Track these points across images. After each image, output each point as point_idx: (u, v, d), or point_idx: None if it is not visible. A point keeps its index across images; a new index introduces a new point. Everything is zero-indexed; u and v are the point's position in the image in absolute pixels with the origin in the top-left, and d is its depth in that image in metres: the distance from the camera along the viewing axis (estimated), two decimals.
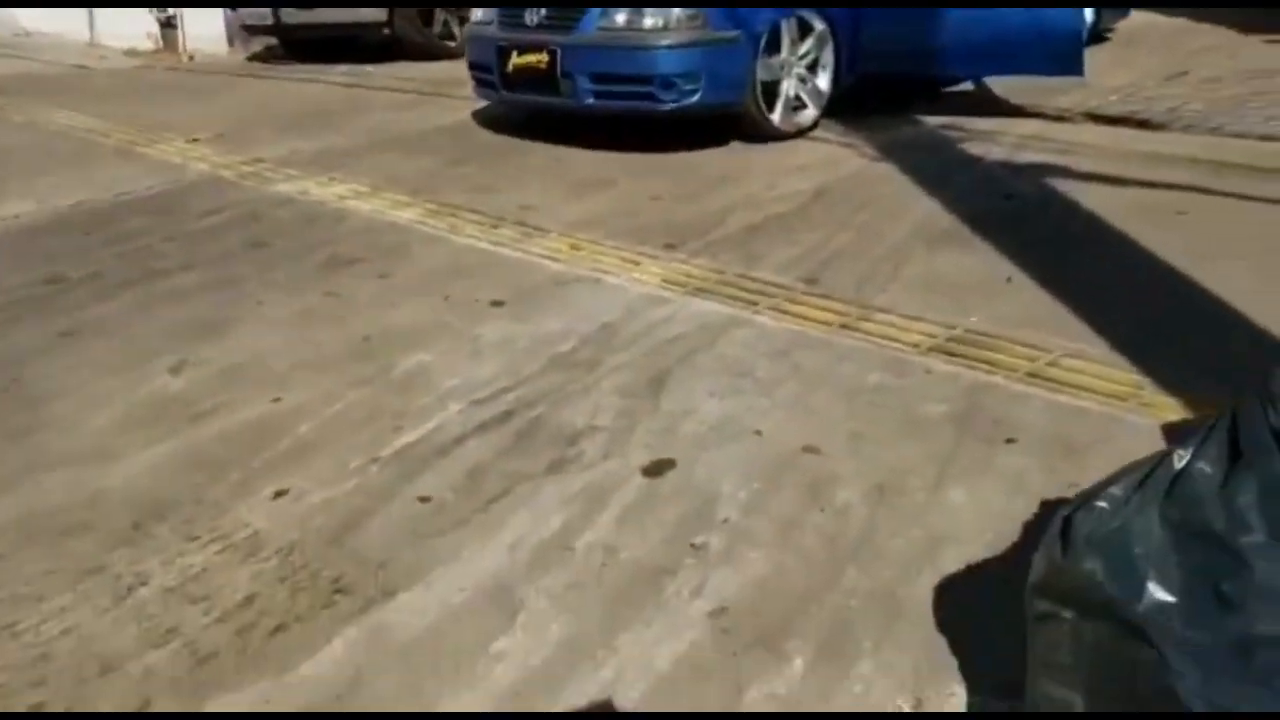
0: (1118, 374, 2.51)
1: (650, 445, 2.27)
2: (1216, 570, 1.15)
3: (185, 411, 2.51)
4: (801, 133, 4.96)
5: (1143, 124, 5.05)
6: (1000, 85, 5.88)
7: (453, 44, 7.80)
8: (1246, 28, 7.82)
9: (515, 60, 4.85)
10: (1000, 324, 2.82)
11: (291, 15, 7.74)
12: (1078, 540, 1.26)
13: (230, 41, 9.60)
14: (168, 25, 10.44)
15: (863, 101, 5.29)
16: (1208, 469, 1.22)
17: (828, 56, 4.95)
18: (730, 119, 4.83)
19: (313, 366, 2.72)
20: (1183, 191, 3.93)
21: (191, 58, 9.61)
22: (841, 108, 5.18)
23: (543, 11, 4.81)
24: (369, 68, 7.67)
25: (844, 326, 2.85)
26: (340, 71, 7.66)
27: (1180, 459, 1.25)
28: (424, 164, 4.82)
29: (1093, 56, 5.50)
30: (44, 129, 6.16)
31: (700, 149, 4.79)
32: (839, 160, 4.56)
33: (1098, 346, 2.66)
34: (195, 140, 5.48)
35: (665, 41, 4.52)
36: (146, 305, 3.22)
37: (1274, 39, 7.29)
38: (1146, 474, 1.27)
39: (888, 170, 4.37)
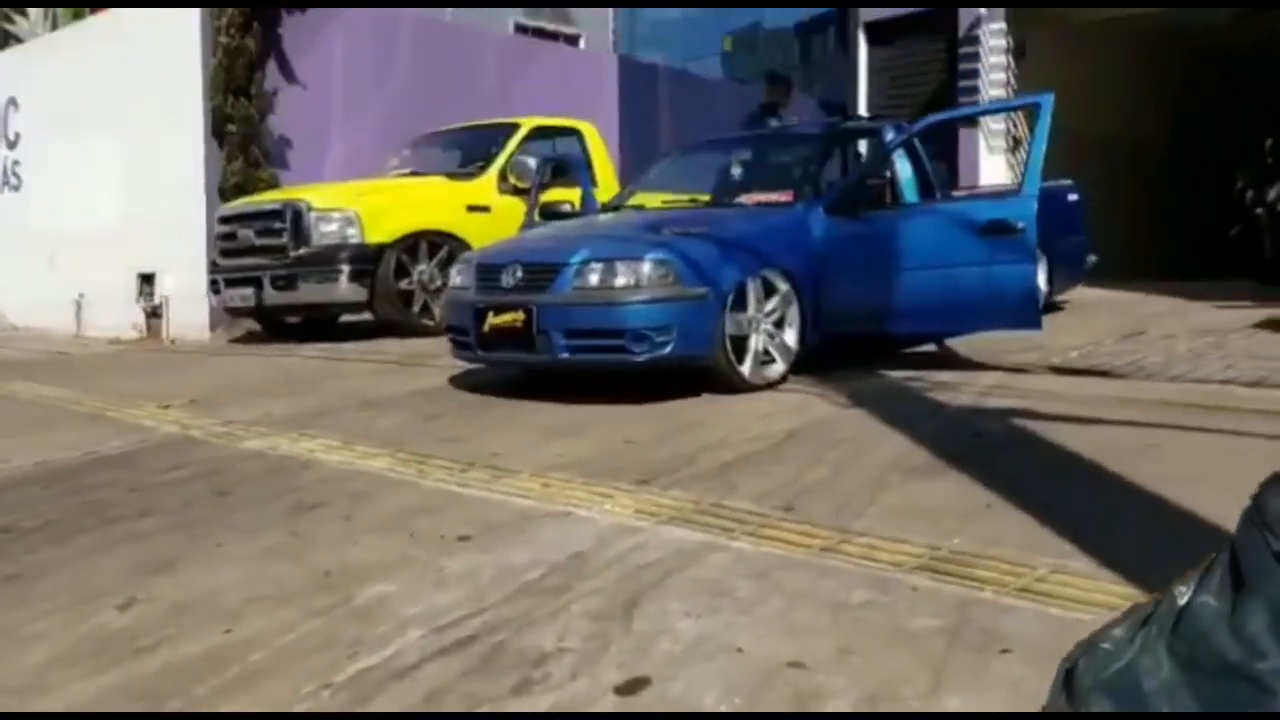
0: (1109, 587, 2.42)
1: (623, 665, 2.14)
2: (1236, 701, 1.05)
3: (129, 646, 2.36)
4: (771, 385, 5.03)
5: (1104, 374, 5.16)
6: (961, 345, 6.06)
7: (431, 323, 7.98)
8: (1195, 296, 8.19)
9: (492, 320, 4.97)
10: (984, 544, 2.74)
11: (273, 296, 7.97)
12: (1082, 687, 1.16)
13: (212, 327, 9.84)
14: (153, 315, 10.73)
15: (829, 359, 5.40)
16: (1212, 601, 1.15)
17: (793, 315, 5.11)
18: (701, 373, 4.91)
19: (269, 600, 2.59)
20: (1151, 429, 3.96)
21: (173, 342, 9.82)
22: (809, 364, 5.28)
23: (519, 274, 4.98)
24: (348, 345, 7.83)
25: (824, 549, 2.76)
26: (319, 348, 7.82)
27: (1182, 595, 1.18)
28: (396, 420, 4.83)
29: (1049, 322, 5.70)
30: (15, 399, 6.18)
31: (672, 400, 4.83)
32: (808, 408, 4.60)
33: (1085, 563, 2.58)
34: (167, 406, 5.49)
35: (637, 297, 4.67)
36: (100, 549, 3.10)
37: (1224, 305, 7.62)
38: (1149, 613, 1.19)
39: (857, 415, 4.41)
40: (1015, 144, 11.45)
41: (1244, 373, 4.99)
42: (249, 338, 9.29)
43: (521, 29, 20.40)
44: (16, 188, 13.03)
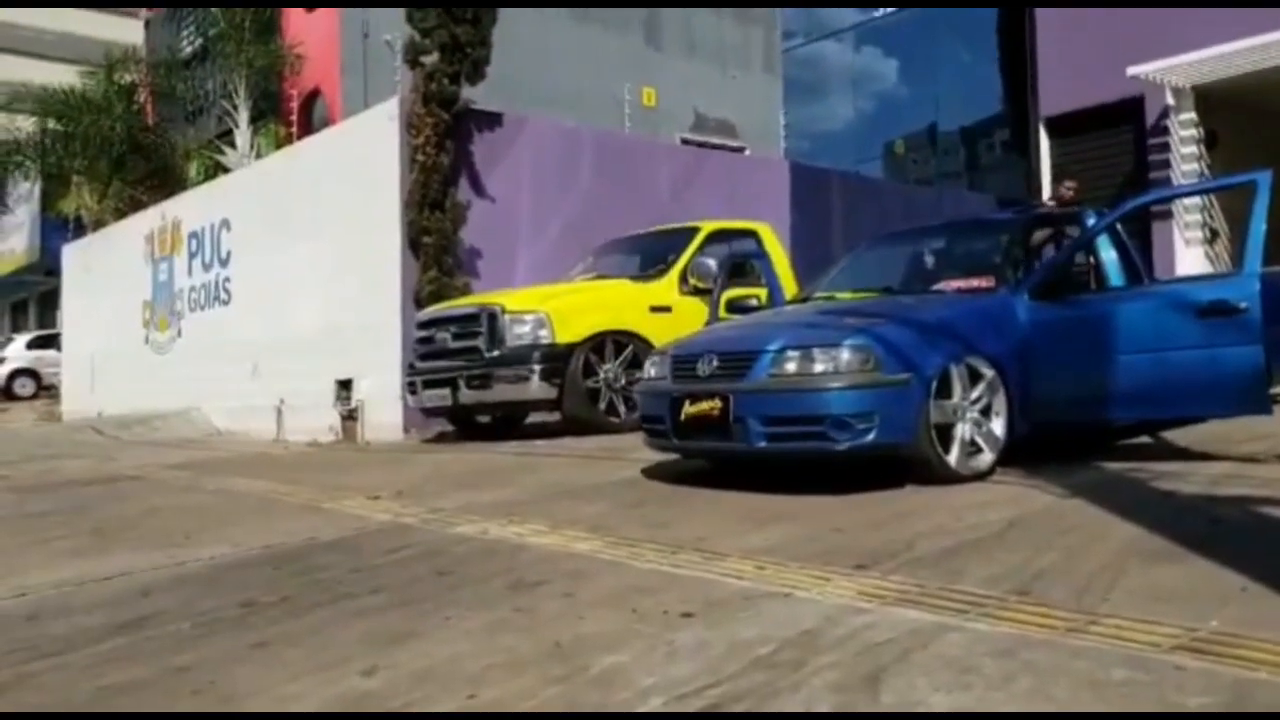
0: None
1: None
2: None
3: (380, 705, 2.42)
4: (979, 477, 4.85)
5: None
6: (1178, 437, 5.77)
7: (617, 420, 8.13)
8: None
9: (688, 409, 5.00)
10: (1247, 626, 2.56)
11: (468, 395, 8.26)
12: None
13: (405, 429, 10.23)
14: (349, 418, 11.25)
15: (1038, 451, 5.20)
16: None
17: (1000, 403, 4.94)
18: (904, 463, 4.79)
19: (505, 667, 2.62)
20: None
21: (369, 443, 10.25)
22: (1017, 456, 5.09)
23: (714, 362, 5.01)
24: (538, 442, 8.01)
25: (1069, 630, 2.63)
26: (511, 445, 8.03)
27: None
28: (599, 508, 4.88)
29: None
30: (233, 493, 6.53)
31: (874, 491, 4.72)
32: (1025, 498, 4.43)
33: None
34: (376, 497, 5.70)
35: (837, 383, 4.62)
36: (336, 621, 3.21)
37: None
38: None
39: (1079, 504, 4.21)
40: (1213, 235, 11.00)
41: None
42: (440, 438, 9.61)
43: (688, 144, 21.01)
44: (226, 302, 13.99)
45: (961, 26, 16.73)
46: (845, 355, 4.67)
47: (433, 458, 7.96)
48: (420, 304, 9.94)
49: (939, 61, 18.27)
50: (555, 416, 8.56)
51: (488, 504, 5.19)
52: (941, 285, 5.67)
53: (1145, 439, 5.88)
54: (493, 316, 8.22)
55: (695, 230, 9.38)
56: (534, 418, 9.14)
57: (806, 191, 13.26)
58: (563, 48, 23.96)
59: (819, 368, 4.71)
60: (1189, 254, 10.88)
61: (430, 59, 10.36)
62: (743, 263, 8.32)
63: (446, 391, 8.40)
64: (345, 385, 11.21)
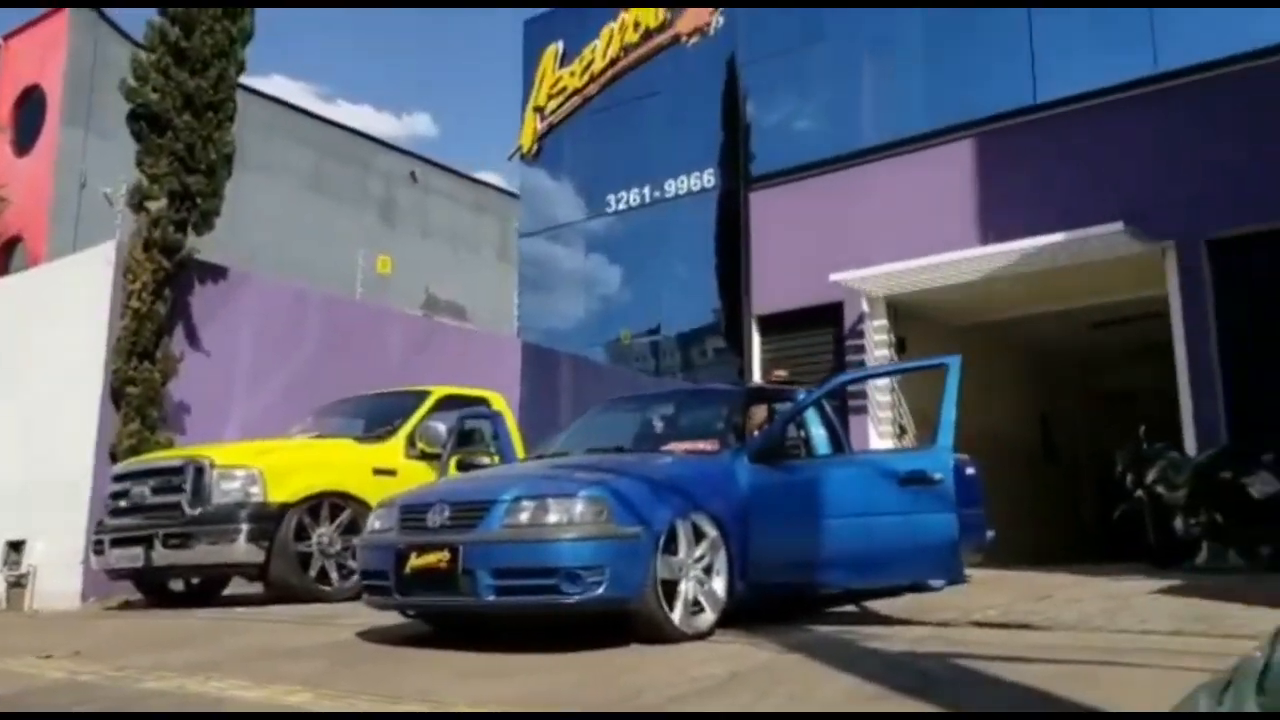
0: None
1: None
2: None
3: None
4: (700, 636, 4.90)
5: (1026, 626, 5.21)
6: (880, 606, 6.08)
7: (328, 588, 7.65)
8: (1092, 573, 8.45)
9: (414, 561, 4.80)
10: None
11: (164, 555, 7.52)
12: None
13: (84, 597, 9.22)
14: (16, 584, 10.03)
15: (755, 614, 5.33)
16: None
17: (721, 562, 5.06)
18: (627, 620, 4.76)
19: None
20: (1088, 665, 3.99)
21: (37, 612, 9.13)
22: (734, 620, 5.19)
23: (446, 512, 4.87)
24: (239, 610, 7.40)
25: None
26: (209, 612, 7.38)
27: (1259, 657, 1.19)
28: (310, 666, 4.53)
29: (959, 590, 5.77)
30: None
31: (598, 649, 4.65)
32: (745, 654, 4.49)
33: None
34: (48, 657, 5.06)
35: (570, 535, 4.59)
36: None
37: (1120, 578, 7.87)
38: (1227, 681, 1.19)
39: (797, 659, 4.32)
40: (901, 430, 12.02)
41: (1160, 625, 5.09)
42: (125, 606, 8.71)
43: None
44: None
45: (679, 239, 17.94)
46: (580, 506, 4.67)
47: (116, 622, 7.21)
48: (116, 459, 9.16)
49: (658, 271, 19.52)
50: (257, 587, 7.95)
51: (183, 663, 4.71)
52: (669, 447, 5.84)
53: (851, 607, 6.15)
54: (199, 470, 7.63)
55: (425, 394, 9.25)
56: (235, 586, 8.48)
57: (537, 369, 13.48)
58: (298, 216, 23.75)
59: (553, 518, 4.67)
60: (882, 445, 11.83)
61: (157, 205, 9.93)
62: (471, 431, 8.22)
63: (139, 550, 7.61)
64: (16, 547, 10.03)
